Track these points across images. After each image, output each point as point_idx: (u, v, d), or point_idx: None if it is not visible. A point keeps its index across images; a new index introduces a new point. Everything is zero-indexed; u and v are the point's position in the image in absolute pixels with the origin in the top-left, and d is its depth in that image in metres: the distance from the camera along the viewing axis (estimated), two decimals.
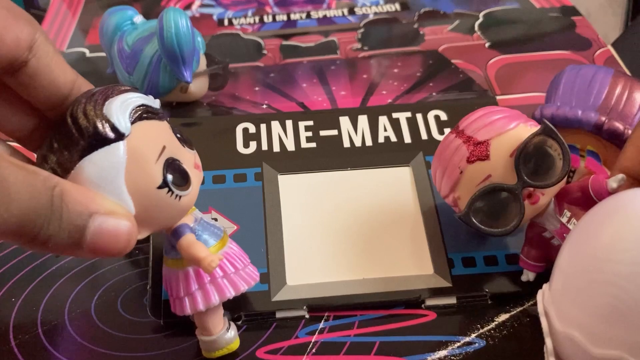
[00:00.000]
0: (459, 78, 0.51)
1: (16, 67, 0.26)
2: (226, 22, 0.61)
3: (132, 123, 0.27)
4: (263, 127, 0.44)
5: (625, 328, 0.25)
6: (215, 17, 0.61)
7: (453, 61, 0.53)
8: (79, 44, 0.58)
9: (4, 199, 0.22)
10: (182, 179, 0.29)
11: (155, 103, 0.29)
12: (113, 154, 0.26)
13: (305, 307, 0.36)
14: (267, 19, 0.61)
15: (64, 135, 0.26)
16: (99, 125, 0.26)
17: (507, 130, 0.33)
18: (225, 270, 0.32)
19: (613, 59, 0.52)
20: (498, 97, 0.48)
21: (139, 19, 0.47)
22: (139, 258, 0.39)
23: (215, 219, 0.35)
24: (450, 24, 0.58)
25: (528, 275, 0.35)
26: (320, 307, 0.36)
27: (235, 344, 0.34)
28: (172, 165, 0.28)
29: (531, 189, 0.33)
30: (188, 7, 0.63)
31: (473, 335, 0.34)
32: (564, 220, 0.34)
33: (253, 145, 0.42)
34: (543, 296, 0.30)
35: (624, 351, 0.25)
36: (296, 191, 0.40)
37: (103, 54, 0.49)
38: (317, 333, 0.35)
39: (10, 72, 0.26)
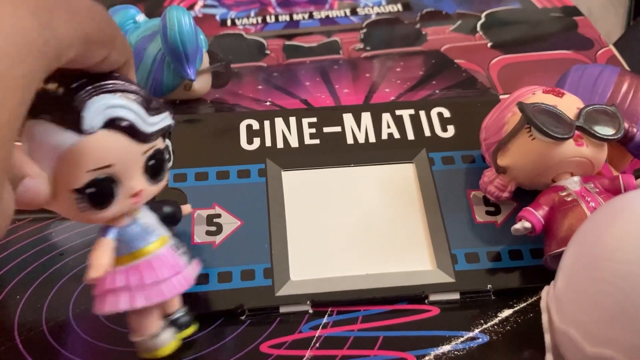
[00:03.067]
0: (461, 77, 0.51)
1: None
2: (229, 23, 0.61)
3: (104, 127, 0.27)
4: (267, 123, 0.44)
5: (621, 329, 0.25)
6: (218, 18, 0.61)
7: (456, 61, 0.53)
8: None
9: None
10: (100, 201, 0.28)
11: (151, 127, 0.28)
12: (62, 138, 0.26)
13: (308, 302, 0.36)
14: (270, 19, 0.61)
15: (64, 89, 0.27)
16: (71, 111, 0.26)
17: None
18: (129, 282, 0.30)
19: (615, 59, 0.53)
20: (501, 97, 0.48)
21: (141, 17, 0.47)
22: None
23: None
24: (453, 24, 0.59)
25: (523, 224, 0.35)
26: (324, 302, 0.36)
27: (167, 349, 0.33)
28: (100, 184, 0.28)
29: (582, 133, 0.35)
30: (191, 7, 0.63)
31: (476, 331, 0.34)
32: (589, 187, 0.35)
33: (257, 141, 0.43)
34: (547, 293, 0.30)
35: (619, 352, 0.25)
36: (300, 187, 0.40)
37: None
38: (320, 328, 0.35)
39: None
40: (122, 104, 0.27)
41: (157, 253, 0.31)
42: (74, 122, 0.26)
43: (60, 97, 0.26)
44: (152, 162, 0.29)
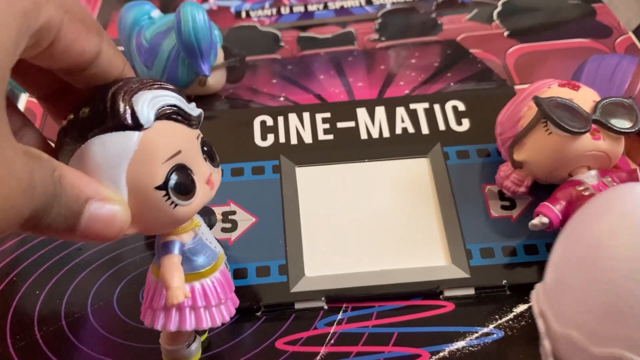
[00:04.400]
0: (477, 68, 0.51)
1: (74, 72, 0.26)
2: (243, 15, 0.61)
3: (157, 119, 0.26)
4: (280, 119, 0.44)
5: (624, 326, 0.24)
6: (232, 10, 0.61)
7: (471, 51, 0.53)
8: None
9: (31, 201, 0.22)
10: (186, 188, 0.27)
11: (194, 111, 0.28)
12: (124, 141, 0.25)
13: (323, 298, 0.36)
14: (284, 10, 0.61)
15: (90, 108, 0.26)
16: (121, 110, 0.25)
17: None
18: (196, 303, 0.30)
19: (634, 47, 0.52)
20: (517, 87, 0.48)
21: (156, 13, 0.47)
22: None
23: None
24: (469, 12, 0.58)
25: (541, 220, 0.35)
26: (339, 298, 0.36)
27: (194, 359, 0.33)
28: (180, 172, 0.27)
29: (598, 127, 0.35)
30: (205, 0, 0.63)
31: (491, 326, 0.34)
32: (606, 181, 0.35)
33: (271, 137, 0.43)
34: (538, 297, 0.29)
35: (624, 349, 0.24)
36: (314, 183, 0.40)
37: (121, 49, 0.49)
38: (335, 324, 0.35)
39: (66, 73, 0.27)
40: (164, 94, 0.27)
41: (218, 273, 0.31)
42: (131, 120, 0.26)
43: (101, 109, 0.26)
44: (205, 147, 0.29)
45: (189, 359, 0.33)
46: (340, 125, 0.43)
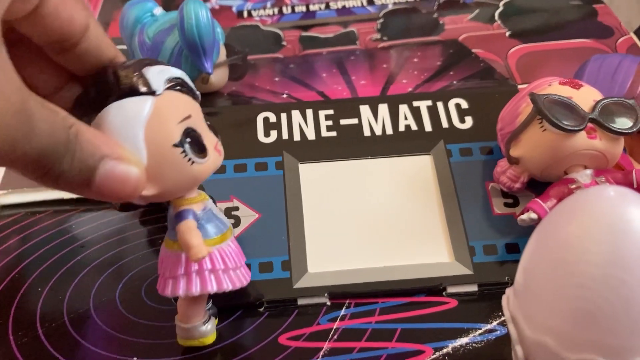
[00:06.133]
0: (479, 67, 0.51)
1: (66, 47, 0.27)
2: (245, 14, 0.61)
3: (166, 89, 0.29)
4: (283, 116, 0.44)
5: (597, 331, 0.24)
6: (234, 9, 0.61)
7: (473, 51, 0.53)
8: None
9: (28, 133, 0.23)
10: (200, 145, 0.29)
11: (189, 83, 0.30)
12: (140, 104, 0.28)
13: (326, 294, 0.36)
14: (286, 10, 0.61)
15: (101, 81, 0.28)
16: (134, 79, 0.28)
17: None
18: (215, 266, 0.31)
19: (636, 47, 0.52)
20: (519, 87, 0.48)
21: (158, 10, 0.47)
22: None
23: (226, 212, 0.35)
24: (470, 13, 0.58)
25: (530, 215, 0.35)
26: (342, 294, 0.36)
27: (209, 339, 0.33)
28: (192, 133, 0.29)
29: (596, 126, 0.35)
30: None
31: (495, 323, 0.34)
32: (599, 180, 0.35)
33: (274, 134, 0.43)
34: (508, 302, 0.29)
35: (598, 354, 0.24)
36: (317, 180, 0.40)
37: (124, 46, 0.49)
38: (338, 320, 0.35)
39: (60, 50, 0.28)
40: (169, 68, 0.29)
41: (231, 240, 0.33)
42: (144, 85, 0.28)
43: (114, 80, 0.28)
44: (208, 122, 0.31)
45: (204, 338, 0.33)
46: (343, 122, 0.43)
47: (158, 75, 0.29)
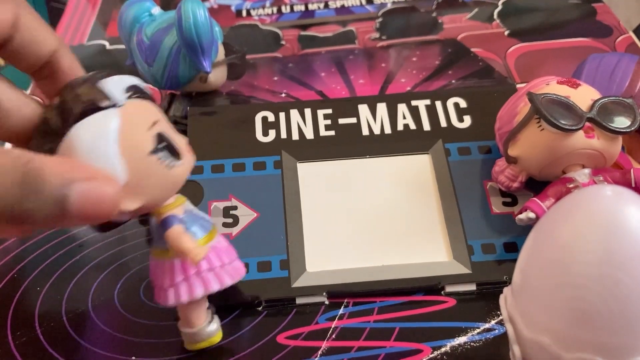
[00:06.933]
0: (478, 66, 0.51)
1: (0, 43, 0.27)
2: (244, 13, 0.61)
3: (127, 99, 0.28)
4: (282, 115, 0.44)
5: (595, 330, 0.24)
6: (233, 8, 0.61)
7: (472, 50, 0.53)
8: (99, 36, 0.59)
9: None
10: (174, 149, 0.29)
11: (146, 89, 0.30)
12: (106, 119, 0.27)
13: (325, 293, 0.36)
14: (285, 9, 0.61)
15: (59, 104, 0.27)
16: (94, 94, 0.27)
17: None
18: (212, 264, 0.31)
19: (635, 46, 0.52)
20: (518, 86, 0.48)
21: (157, 10, 0.47)
22: None
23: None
24: (469, 12, 0.58)
25: (528, 215, 0.35)
26: (340, 294, 0.36)
27: (217, 337, 0.33)
28: (163, 137, 0.29)
29: (593, 125, 0.34)
30: None
31: (493, 322, 0.34)
32: (597, 180, 0.35)
33: (272, 133, 0.43)
34: (506, 301, 0.29)
35: (595, 353, 0.24)
36: (315, 179, 0.40)
37: (123, 46, 0.49)
38: (336, 319, 0.35)
39: None
40: (123, 77, 0.29)
41: (217, 239, 0.32)
42: (106, 99, 0.27)
43: (72, 101, 0.27)
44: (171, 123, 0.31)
45: (211, 339, 0.33)
46: (341, 121, 0.43)
47: (116, 86, 0.28)
